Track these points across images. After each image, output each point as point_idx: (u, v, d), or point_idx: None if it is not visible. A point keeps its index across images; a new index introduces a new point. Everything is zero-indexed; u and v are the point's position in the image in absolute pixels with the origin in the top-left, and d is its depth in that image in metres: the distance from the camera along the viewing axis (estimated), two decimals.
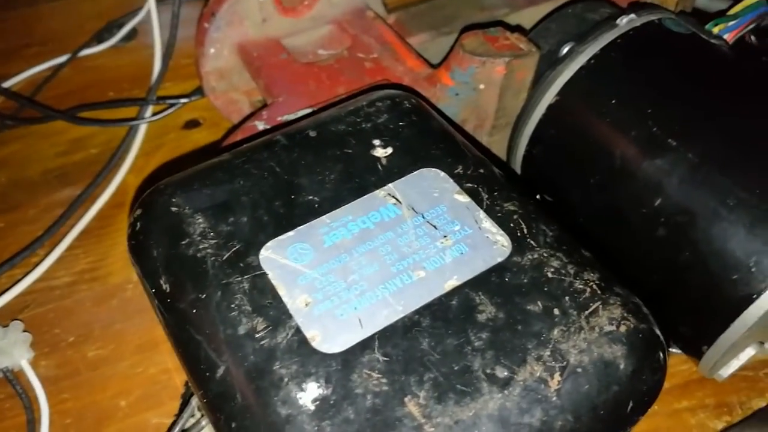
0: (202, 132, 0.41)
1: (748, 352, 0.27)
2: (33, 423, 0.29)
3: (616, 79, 0.28)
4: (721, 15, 0.33)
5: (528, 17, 0.38)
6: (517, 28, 0.31)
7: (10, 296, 0.32)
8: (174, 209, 0.21)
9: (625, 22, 0.29)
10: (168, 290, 0.20)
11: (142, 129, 0.39)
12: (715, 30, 0.31)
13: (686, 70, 0.28)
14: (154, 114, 0.40)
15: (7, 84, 0.44)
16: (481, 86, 0.29)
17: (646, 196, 0.26)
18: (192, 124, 0.41)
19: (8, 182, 0.39)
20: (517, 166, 0.32)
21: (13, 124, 0.42)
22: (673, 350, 0.29)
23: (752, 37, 0.35)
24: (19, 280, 0.33)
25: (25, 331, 0.31)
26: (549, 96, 0.29)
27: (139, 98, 0.41)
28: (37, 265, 0.33)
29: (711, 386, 0.30)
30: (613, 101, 0.28)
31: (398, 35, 0.34)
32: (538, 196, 0.30)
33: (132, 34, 0.48)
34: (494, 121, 0.31)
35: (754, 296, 0.23)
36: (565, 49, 0.30)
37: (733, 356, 0.27)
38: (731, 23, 0.31)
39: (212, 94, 0.36)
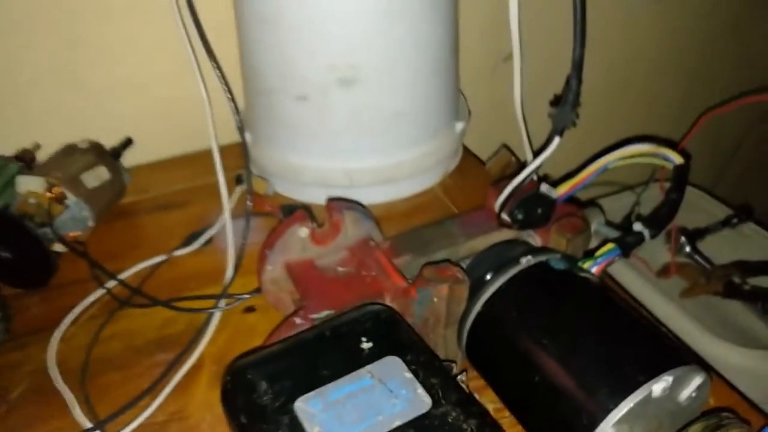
0: (256, 315, 0.59)
1: None
2: None
3: (516, 299, 0.46)
4: (595, 250, 0.51)
5: (481, 243, 0.56)
6: (458, 264, 0.49)
7: (131, 427, 0.48)
8: (249, 377, 0.38)
9: (524, 261, 0.47)
10: (245, 422, 0.36)
11: (217, 314, 0.58)
12: (585, 266, 0.49)
13: (559, 295, 0.46)
14: (226, 304, 0.59)
15: (122, 276, 0.63)
16: (435, 299, 0.47)
17: (531, 374, 0.42)
18: (249, 309, 0.59)
19: (122, 348, 0.57)
20: (462, 348, 0.49)
21: (126, 306, 0.60)
22: None
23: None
24: (135, 416, 0.50)
25: None
26: (477, 307, 0.47)
27: (216, 295, 0.60)
28: (146, 408, 0.50)
29: None
30: (514, 313, 0.45)
31: (388, 258, 0.53)
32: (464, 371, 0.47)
33: (210, 240, 0.68)
34: (445, 320, 0.48)
35: None
36: (488, 276, 0.48)
37: None
38: (597, 260, 0.49)
39: (267, 293, 0.54)
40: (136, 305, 0.60)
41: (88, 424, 0.49)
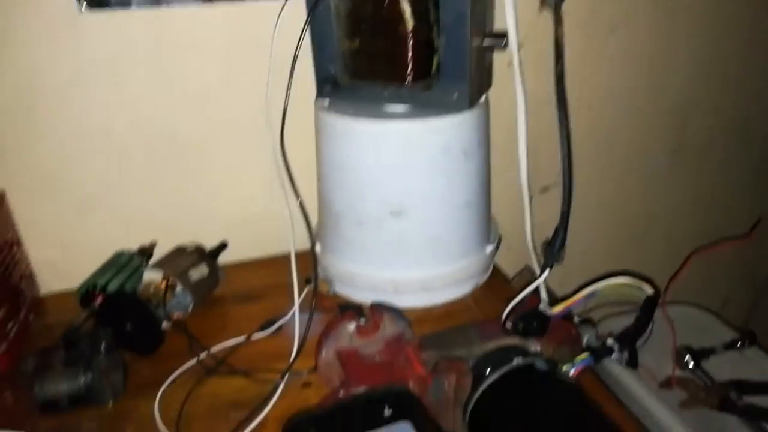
0: (311, 390, 0.75)
1: None
2: None
3: (505, 390, 0.60)
4: None
5: (492, 346, 0.71)
6: (467, 361, 0.64)
7: None
8: (303, 425, 0.54)
9: (515, 362, 0.62)
10: None
11: (281, 385, 0.74)
12: (563, 368, 0.63)
13: (538, 391, 0.60)
14: (289, 379, 0.75)
15: (211, 350, 0.81)
16: (446, 385, 0.62)
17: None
18: (307, 384, 0.76)
19: (207, 406, 0.74)
20: (466, 425, 0.63)
21: (213, 374, 0.78)
22: None
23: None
24: None
25: None
26: (477, 394, 0.61)
27: (282, 370, 0.76)
28: None
29: None
30: (503, 399, 0.60)
31: (416, 352, 0.68)
32: None
33: (281, 327, 0.86)
34: (453, 403, 0.63)
35: None
36: (487, 371, 0.62)
37: None
38: (574, 365, 0.63)
39: (321, 373, 0.70)
40: (220, 373, 0.78)
41: None
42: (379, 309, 0.70)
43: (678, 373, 0.94)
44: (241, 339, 0.84)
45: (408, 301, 0.88)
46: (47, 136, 0.91)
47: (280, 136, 0.83)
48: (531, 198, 0.84)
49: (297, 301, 0.82)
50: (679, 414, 0.87)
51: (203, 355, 0.80)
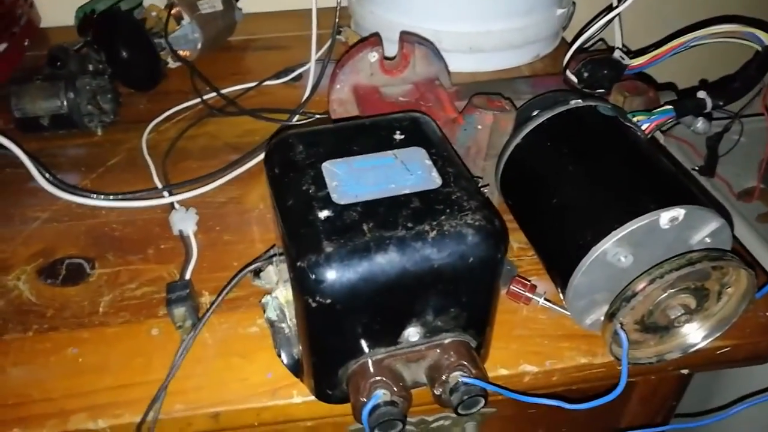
0: None
1: (600, 312, 0.43)
2: (188, 262, 0.51)
3: (556, 132, 0.47)
4: None
5: None
6: (508, 98, 0.51)
7: (193, 194, 0.56)
8: (290, 141, 0.43)
9: (572, 103, 0.48)
10: (277, 173, 0.41)
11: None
12: (636, 119, 0.49)
13: (598, 134, 0.46)
14: (298, 121, 0.64)
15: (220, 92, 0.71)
16: (479, 127, 0.49)
17: (551, 196, 0.44)
18: None
19: (203, 145, 0.64)
20: (498, 178, 0.51)
21: (218, 114, 0.68)
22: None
23: None
24: (200, 192, 0.57)
25: (197, 214, 0.54)
26: (518, 139, 0.49)
27: (291, 109, 0.65)
28: (208, 184, 0.57)
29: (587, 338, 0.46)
30: (549, 144, 0.47)
31: (448, 95, 0.55)
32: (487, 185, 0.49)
33: (298, 77, 0.74)
34: (487, 151, 0.50)
35: (582, 259, 0.40)
36: (534, 113, 0.49)
37: (587, 310, 0.43)
38: (651, 117, 0.49)
39: (333, 114, 0.59)
40: (227, 113, 0.67)
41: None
42: (411, 41, 0.56)
43: (762, 187, 0.80)
44: (253, 84, 0.72)
45: (452, 62, 0.72)
46: None
47: None
48: None
49: (314, 49, 0.68)
50: (754, 225, 0.74)
51: (210, 94, 0.69)
